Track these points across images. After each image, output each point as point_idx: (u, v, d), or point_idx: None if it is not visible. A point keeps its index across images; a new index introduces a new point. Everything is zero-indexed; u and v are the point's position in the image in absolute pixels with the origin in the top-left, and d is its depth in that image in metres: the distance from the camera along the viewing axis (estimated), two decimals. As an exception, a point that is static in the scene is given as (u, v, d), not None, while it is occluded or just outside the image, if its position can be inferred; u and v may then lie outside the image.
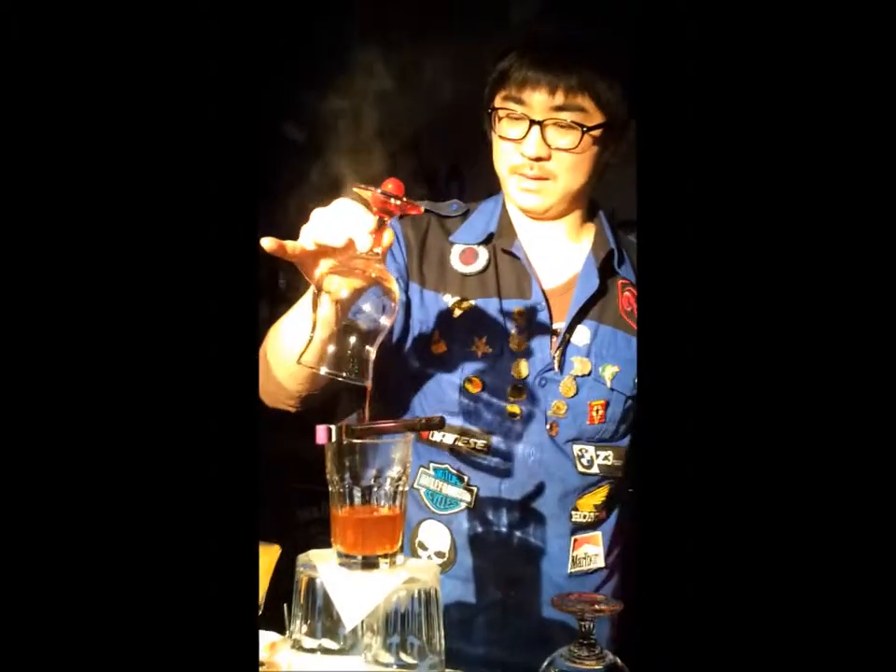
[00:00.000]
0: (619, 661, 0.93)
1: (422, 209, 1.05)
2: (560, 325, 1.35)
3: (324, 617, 0.95)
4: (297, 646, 0.96)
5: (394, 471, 0.95)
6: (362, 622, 0.93)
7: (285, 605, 1.00)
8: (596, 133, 1.30)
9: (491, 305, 1.34)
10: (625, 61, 1.26)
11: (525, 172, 1.31)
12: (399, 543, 0.97)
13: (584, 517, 1.36)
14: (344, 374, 0.97)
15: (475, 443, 1.33)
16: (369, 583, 0.92)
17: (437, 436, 1.33)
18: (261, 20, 0.86)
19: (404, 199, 0.98)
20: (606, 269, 1.39)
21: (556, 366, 1.34)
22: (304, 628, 0.95)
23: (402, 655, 0.94)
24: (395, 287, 0.99)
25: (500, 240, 1.39)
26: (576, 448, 1.34)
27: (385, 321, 0.98)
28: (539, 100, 1.27)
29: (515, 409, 1.32)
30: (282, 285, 2.39)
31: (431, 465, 1.36)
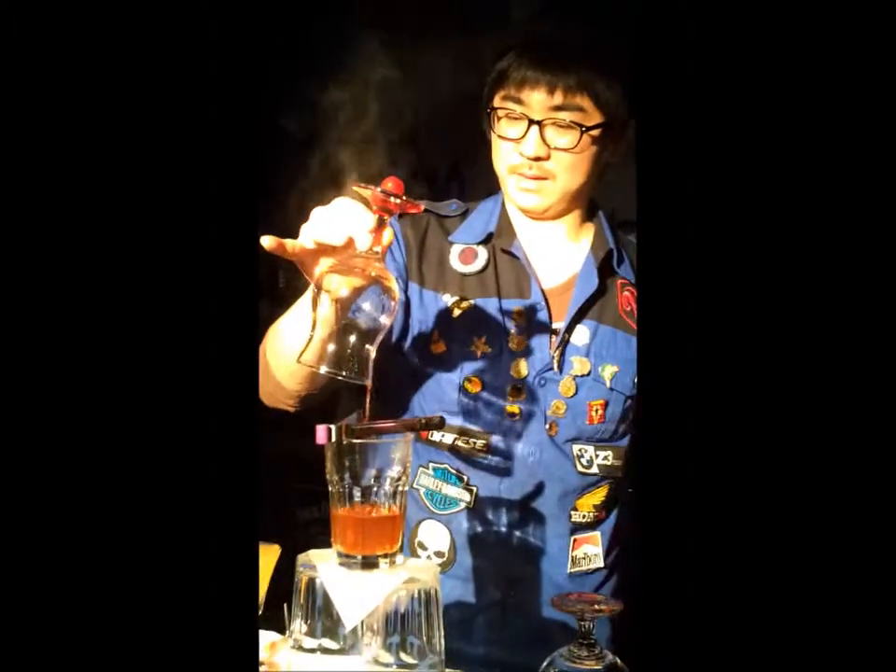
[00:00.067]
0: (619, 661, 0.93)
1: (422, 207, 1.05)
2: (559, 324, 1.35)
3: (324, 617, 0.94)
4: (297, 646, 0.96)
5: (394, 471, 0.95)
6: (362, 622, 0.93)
7: (285, 605, 1.00)
8: (595, 132, 1.30)
9: (490, 305, 1.34)
10: (625, 60, 1.26)
11: (524, 171, 1.31)
12: (399, 543, 0.96)
13: (584, 517, 1.36)
14: (344, 373, 0.97)
15: (475, 443, 1.33)
16: (369, 583, 0.92)
17: (436, 436, 1.33)
18: (261, 20, 0.86)
19: (404, 197, 0.98)
20: (605, 269, 1.39)
21: (556, 366, 1.34)
22: (304, 628, 0.95)
23: (402, 655, 0.94)
24: (395, 286, 0.99)
25: (500, 240, 1.39)
26: (575, 448, 1.34)
27: (384, 320, 0.98)
28: (537, 99, 1.27)
29: (515, 409, 1.32)
30: (282, 284, 2.39)
31: (430, 465, 1.36)
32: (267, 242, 0.99)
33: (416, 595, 0.94)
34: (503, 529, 1.33)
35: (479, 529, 1.34)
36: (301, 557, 0.98)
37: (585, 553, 1.37)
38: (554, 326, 1.35)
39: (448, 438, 1.33)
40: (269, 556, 1.10)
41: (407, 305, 1.34)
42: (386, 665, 0.93)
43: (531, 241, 1.39)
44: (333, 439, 0.93)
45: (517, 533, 1.33)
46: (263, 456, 0.89)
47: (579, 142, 1.28)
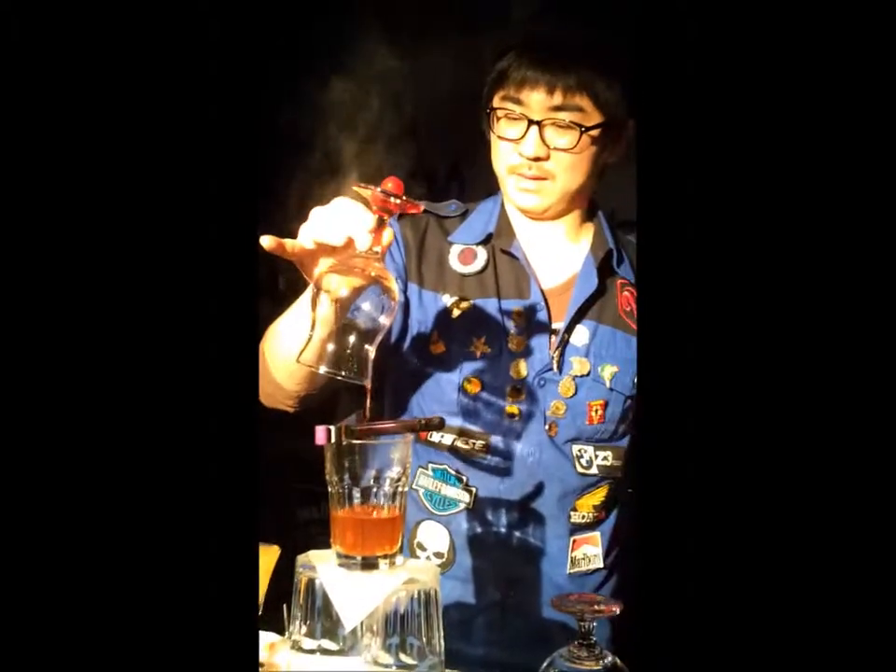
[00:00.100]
0: (618, 661, 0.93)
1: (421, 208, 1.05)
2: (559, 325, 1.35)
3: (323, 618, 0.94)
4: (296, 647, 0.96)
5: (393, 472, 0.95)
6: (361, 622, 0.93)
7: (284, 605, 1.00)
8: (595, 132, 1.29)
9: (490, 305, 1.34)
10: (624, 61, 1.26)
11: (524, 172, 1.31)
12: (399, 544, 0.96)
13: (583, 517, 1.36)
14: (344, 373, 0.97)
15: (474, 444, 1.32)
16: (368, 584, 0.92)
17: (435, 436, 1.33)
18: (261, 20, 0.86)
19: (404, 197, 0.98)
20: (605, 269, 1.39)
21: (555, 366, 1.34)
22: (304, 629, 0.95)
23: (402, 656, 0.94)
24: (394, 286, 0.99)
25: (499, 240, 1.38)
26: (575, 448, 1.34)
27: (384, 320, 0.98)
28: (537, 100, 1.27)
29: (514, 409, 1.32)
30: (282, 285, 2.39)
31: (430, 465, 1.35)
32: (266, 242, 0.99)
33: (416, 596, 0.94)
34: (503, 530, 1.33)
35: (478, 530, 1.34)
36: (301, 558, 0.98)
37: (585, 554, 1.37)
38: (554, 326, 1.35)
39: (447, 438, 1.33)
40: (268, 557, 1.10)
41: (406, 306, 1.34)
42: (386, 666, 0.93)
43: (530, 241, 1.39)
44: (333, 439, 0.93)
45: (517, 534, 1.33)
46: (263, 456, 0.89)
47: (578, 142, 1.28)
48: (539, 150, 1.28)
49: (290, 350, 1.09)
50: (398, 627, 0.94)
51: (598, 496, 1.37)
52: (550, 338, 1.34)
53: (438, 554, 1.35)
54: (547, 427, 1.32)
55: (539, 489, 1.33)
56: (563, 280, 1.39)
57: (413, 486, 1.35)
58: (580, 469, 1.34)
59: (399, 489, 0.96)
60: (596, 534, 1.38)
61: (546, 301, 1.35)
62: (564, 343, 1.34)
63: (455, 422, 1.32)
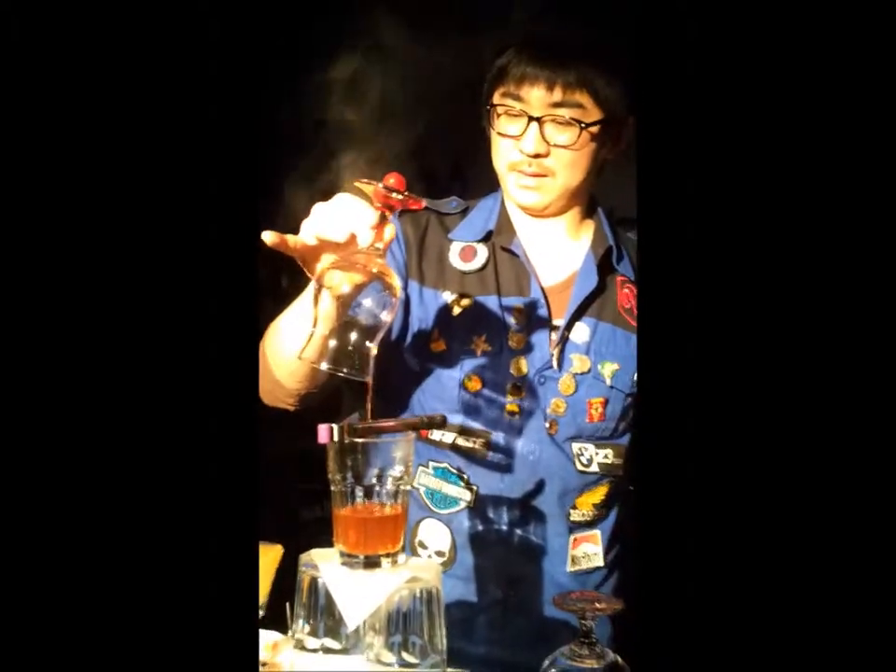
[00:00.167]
0: (620, 659, 0.93)
1: (423, 203, 1.05)
2: (559, 322, 1.35)
3: (326, 617, 0.95)
4: (299, 645, 0.96)
5: (396, 470, 0.95)
6: (364, 621, 0.93)
7: (287, 605, 1.00)
8: (595, 129, 1.29)
9: (490, 303, 1.34)
10: (624, 58, 1.26)
11: (524, 169, 1.31)
12: (401, 542, 0.97)
13: (583, 515, 1.36)
14: (345, 370, 0.97)
15: (475, 441, 1.32)
16: (371, 583, 0.92)
17: (436, 434, 1.33)
18: (261, 20, 0.86)
19: (406, 193, 0.98)
20: (605, 266, 1.39)
21: (555, 363, 1.33)
22: (307, 628, 0.95)
23: (404, 654, 0.94)
24: (396, 283, 0.99)
25: (499, 237, 1.38)
26: (575, 446, 1.34)
27: (385, 316, 0.98)
28: (537, 96, 1.27)
29: (514, 407, 1.32)
30: (285, 283, 2.39)
31: (431, 464, 1.35)
32: (268, 237, 0.99)
33: (418, 595, 0.95)
34: (504, 528, 1.33)
35: (479, 528, 1.34)
36: (304, 557, 0.98)
37: (585, 552, 1.37)
38: (554, 323, 1.35)
39: (448, 437, 1.33)
40: (271, 556, 1.10)
41: (407, 303, 1.34)
42: (388, 665, 0.94)
43: (531, 238, 1.39)
44: (335, 438, 0.93)
45: (517, 532, 1.33)
46: (265, 456, 0.89)
47: (578, 139, 1.28)
48: (539, 147, 1.28)
49: (292, 347, 1.09)
50: (400, 626, 0.94)
51: (599, 494, 1.37)
52: (550, 335, 1.34)
53: (439, 553, 1.35)
54: (547, 424, 1.32)
55: (539, 487, 1.33)
56: (563, 277, 1.39)
57: (414, 485, 1.35)
58: (580, 468, 1.34)
59: (402, 487, 0.96)
60: (597, 532, 1.38)
61: (546, 298, 1.35)
62: (564, 341, 1.34)
63: (456, 420, 1.32)
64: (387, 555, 0.95)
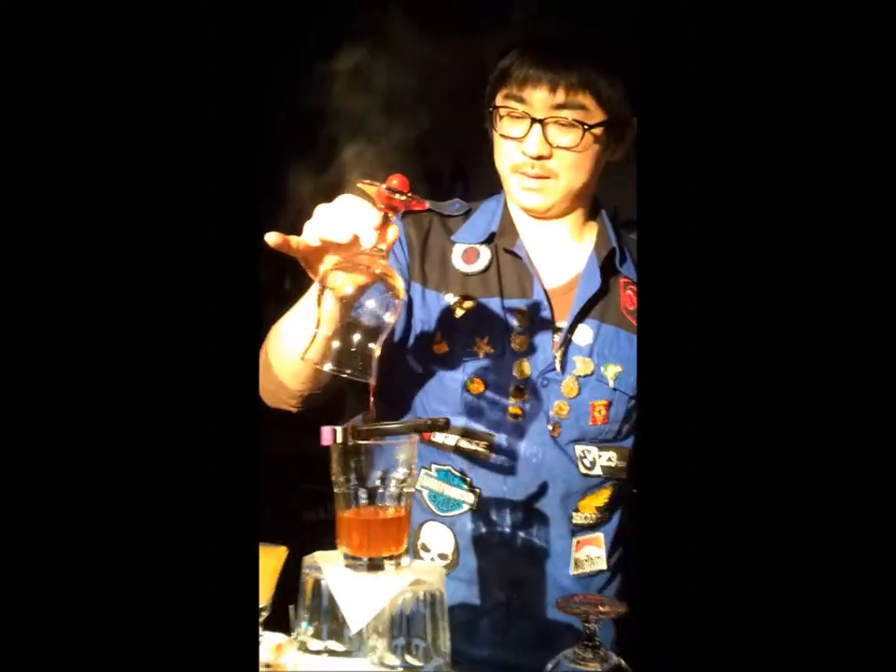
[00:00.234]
0: (623, 663, 0.93)
1: (426, 205, 1.05)
2: (562, 324, 1.35)
3: (329, 619, 0.94)
4: (303, 647, 0.96)
5: (399, 472, 0.95)
6: (368, 624, 0.93)
7: (290, 606, 1.00)
8: (598, 131, 1.29)
9: (493, 305, 1.34)
10: (627, 59, 1.26)
11: (527, 170, 1.31)
12: (405, 545, 0.96)
13: (585, 518, 1.35)
14: (348, 371, 0.97)
15: (478, 444, 1.32)
16: (374, 585, 0.92)
17: (439, 437, 1.33)
18: (261, 20, 0.86)
19: (409, 194, 0.98)
20: (608, 268, 1.38)
21: (558, 366, 1.33)
22: (310, 630, 0.95)
23: (408, 657, 0.93)
24: (399, 284, 0.99)
25: (502, 239, 1.38)
26: (578, 449, 1.33)
27: (388, 318, 0.98)
28: (539, 98, 1.27)
29: (517, 409, 1.32)
30: (288, 285, 2.39)
31: (433, 466, 1.35)
32: (272, 238, 0.99)
33: (422, 597, 0.94)
34: (506, 531, 1.32)
35: (482, 531, 1.33)
36: (307, 559, 0.98)
37: (588, 555, 1.36)
38: (557, 325, 1.35)
39: (451, 439, 1.33)
40: (275, 558, 1.10)
41: (409, 305, 1.34)
42: (392, 668, 0.93)
43: (533, 240, 1.39)
44: (339, 440, 0.93)
45: (521, 535, 1.32)
46: (268, 457, 0.89)
47: (581, 140, 1.28)
48: (541, 149, 1.28)
49: (295, 349, 1.09)
50: (404, 628, 0.94)
51: (602, 497, 1.36)
52: (553, 337, 1.34)
53: (442, 556, 1.35)
54: (550, 427, 1.32)
55: (542, 490, 1.32)
56: (566, 279, 1.38)
57: (417, 487, 1.35)
58: (582, 471, 1.34)
59: (405, 490, 0.96)
60: (599, 535, 1.38)
61: (549, 300, 1.35)
62: (567, 343, 1.34)
63: (459, 422, 1.31)
64: (391, 558, 0.95)
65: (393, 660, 0.93)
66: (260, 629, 1.09)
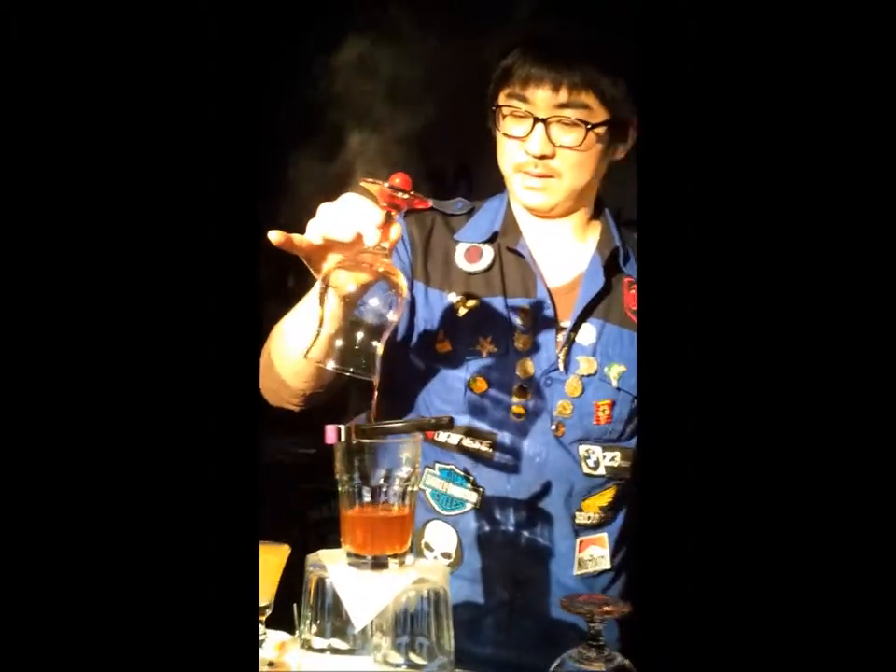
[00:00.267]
0: (627, 662, 0.93)
1: (430, 203, 1.05)
2: (565, 324, 1.34)
3: (333, 617, 0.94)
4: (306, 646, 0.96)
5: (403, 471, 0.95)
6: (371, 622, 0.93)
7: (294, 605, 1.00)
8: (601, 130, 1.29)
9: (496, 304, 1.33)
10: (629, 58, 1.25)
11: (530, 170, 1.30)
12: (409, 543, 0.96)
13: (589, 518, 1.35)
14: (352, 369, 0.97)
15: (480, 443, 1.32)
16: (378, 583, 0.92)
17: (442, 436, 1.33)
18: (261, 20, 0.86)
19: (412, 193, 0.98)
20: (611, 267, 1.38)
21: (561, 365, 1.33)
22: (314, 628, 0.95)
23: (411, 655, 0.94)
24: (402, 282, 0.99)
25: (505, 238, 1.38)
26: (582, 449, 1.33)
27: (392, 316, 0.98)
28: (542, 97, 1.27)
29: (520, 409, 1.32)
30: (291, 284, 2.39)
31: (437, 465, 1.35)
32: (274, 236, 0.99)
33: (426, 596, 0.95)
34: (510, 529, 1.32)
35: (485, 530, 1.33)
36: (311, 557, 0.98)
37: (591, 555, 1.36)
38: (560, 325, 1.34)
39: (454, 438, 1.33)
40: (278, 557, 1.10)
41: (412, 304, 1.33)
42: (396, 666, 0.93)
43: (537, 239, 1.38)
44: (342, 439, 0.93)
45: (524, 534, 1.32)
46: (273, 456, 0.89)
47: (584, 139, 1.28)
48: (544, 148, 1.28)
49: (297, 347, 1.09)
50: (407, 627, 0.94)
51: (606, 497, 1.36)
52: (556, 337, 1.33)
53: (445, 555, 1.34)
54: (554, 427, 1.32)
55: (546, 489, 1.32)
56: (569, 279, 1.38)
57: (420, 486, 1.35)
58: (586, 471, 1.33)
59: (409, 488, 0.96)
60: (603, 535, 1.37)
61: (552, 299, 1.35)
62: (570, 342, 1.34)
63: (462, 421, 1.31)
64: (395, 556, 0.95)
65: (397, 658, 0.93)
66: (264, 627, 1.10)
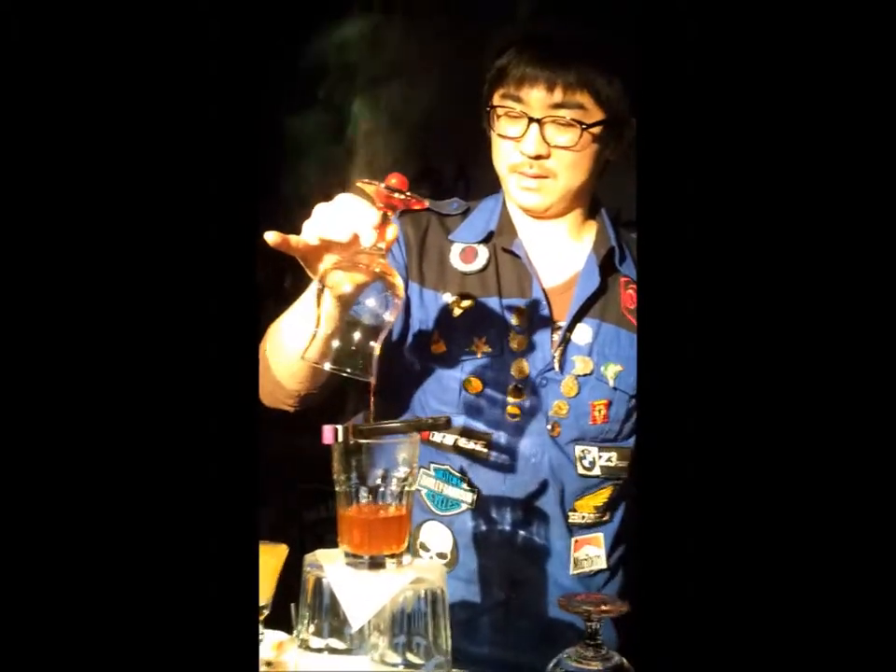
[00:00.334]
0: (625, 661, 0.93)
1: (426, 203, 1.05)
2: (561, 324, 1.34)
3: (331, 617, 0.94)
4: (304, 645, 0.96)
5: (400, 471, 0.95)
6: (369, 622, 0.93)
7: (292, 605, 1.00)
8: (596, 130, 1.29)
9: (491, 304, 1.33)
10: (625, 57, 1.26)
11: (525, 170, 1.30)
12: (406, 543, 0.96)
13: (583, 518, 1.35)
14: (349, 370, 0.97)
15: (476, 443, 1.32)
16: (375, 583, 0.92)
17: (438, 436, 1.33)
18: (261, 19, 0.86)
19: (408, 193, 0.98)
20: (607, 266, 1.38)
21: (557, 365, 1.33)
22: (311, 628, 0.95)
23: (409, 655, 0.94)
24: (399, 283, 0.99)
25: (500, 238, 1.38)
26: (578, 449, 1.33)
27: (388, 316, 0.98)
28: (537, 97, 1.27)
29: (516, 409, 1.32)
30: (287, 284, 2.39)
31: (432, 465, 1.35)
32: (271, 237, 0.99)
33: (423, 596, 0.95)
34: (506, 530, 1.32)
35: (481, 530, 1.33)
36: (308, 557, 0.98)
37: (587, 555, 1.36)
38: (556, 325, 1.34)
39: (449, 438, 1.33)
40: (276, 556, 1.10)
41: (407, 305, 1.33)
42: (393, 665, 0.93)
43: (532, 239, 1.39)
44: (340, 439, 0.93)
45: (520, 534, 1.32)
46: (270, 456, 0.89)
47: (579, 140, 1.28)
48: (539, 148, 1.28)
49: (293, 348, 1.09)
50: (405, 626, 0.94)
51: (601, 496, 1.36)
52: (552, 336, 1.34)
53: (441, 555, 1.35)
54: (549, 427, 1.32)
55: (542, 489, 1.32)
56: (565, 278, 1.38)
57: (416, 486, 1.35)
58: (581, 471, 1.33)
59: (406, 488, 0.96)
60: (599, 535, 1.38)
61: (548, 299, 1.34)
62: (566, 342, 1.34)
63: (458, 421, 1.31)
64: (392, 556, 0.95)
65: (394, 658, 0.93)
66: (262, 627, 1.10)
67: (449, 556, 1.34)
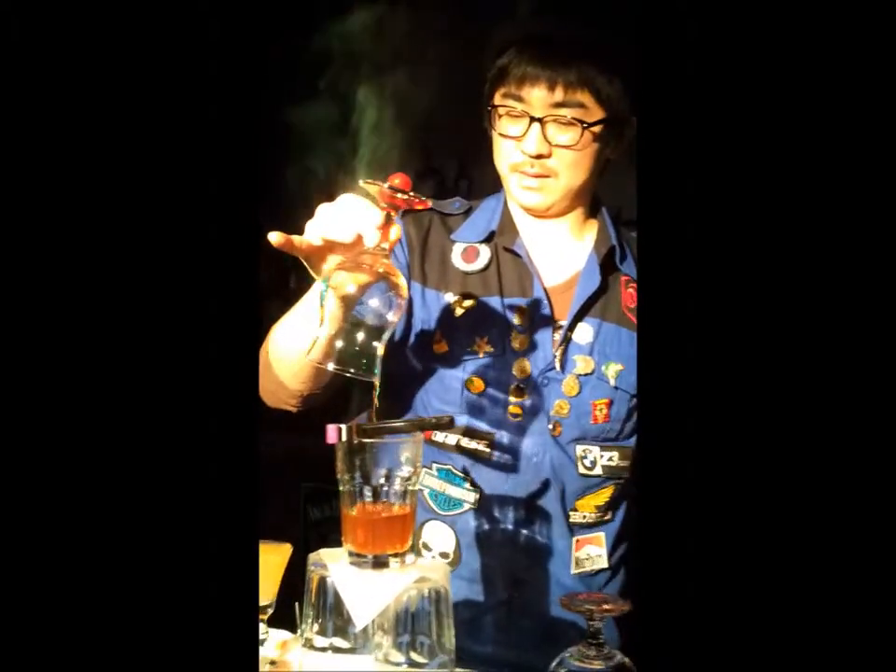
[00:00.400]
0: (627, 660, 0.93)
1: (429, 203, 1.05)
2: (562, 323, 1.34)
3: (335, 616, 0.95)
4: (308, 644, 0.96)
5: (404, 471, 0.95)
6: (373, 621, 0.93)
7: (296, 604, 1.00)
8: (597, 129, 1.29)
9: (493, 304, 1.33)
10: (625, 57, 1.25)
11: (526, 170, 1.30)
12: (410, 542, 0.96)
13: (584, 517, 1.35)
14: (352, 370, 0.97)
15: (478, 443, 1.32)
16: (379, 582, 0.92)
17: (440, 436, 1.33)
18: (261, 19, 0.86)
19: (410, 193, 0.98)
20: (608, 266, 1.38)
21: (558, 365, 1.33)
22: (316, 627, 0.95)
23: (412, 654, 0.94)
24: (402, 282, 0.99)
25: (502, 238, 1.38)
26: (579, 449, 1.33)
27: (392, 316, 0.98)
28: (538, 96, 1.27)
29: (517, 408, 1.32)
30: (292, 284, 2.39)
31: (434, 465, 1.35)
32: (274, 238, 0.99)
33: (427, 595, 0.95)
34: (508, 529, 1.32)
35: (483, 529, 1.33)
36: (313, 556, 0.98)
37: (588, 554, 1.36)
38: (557, 324, 1.34)
39: (452, 438, 1.33)
40: (280, 556, 1.11)
41: (409, 304, 1.33)
42: (397, 665, 0.93)
43: (533, 239, 1.39)
44: (344, 438, 0.93)
45: (522, 533, 1.32)
46: (275, 455, 0.89)
47: (580, 139, 1.28)
48: (540, 148, 1.28)
49: (295, 348, 1.09)
50: (408, 625, 0.94)
51: (603, 496, 1.36)
52: (553, 336, 1.34)
53: (443, 555, 1.35)
54: (551, 426, 1.32)
55: (544, 489, 1.32)
56: (566, 277, 1.38)
57: (419, 486, 1.35)
58: (582, 471, 1.33)
59: (410, 488, 0.96)
60: (600, 534, 1.37)
61: (549, 298, 1.35)
62: (567, 342, 1.34)
63: (460, 421, 1.31)
64: (396, 555, 0.95)
65: (398, 657, 0.93)
66: (266, 626, 1.10)
67: (451, 556, 1.34)
